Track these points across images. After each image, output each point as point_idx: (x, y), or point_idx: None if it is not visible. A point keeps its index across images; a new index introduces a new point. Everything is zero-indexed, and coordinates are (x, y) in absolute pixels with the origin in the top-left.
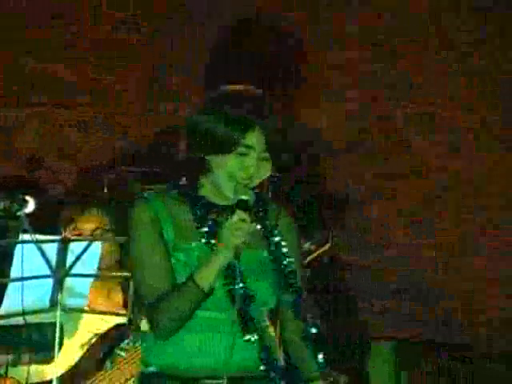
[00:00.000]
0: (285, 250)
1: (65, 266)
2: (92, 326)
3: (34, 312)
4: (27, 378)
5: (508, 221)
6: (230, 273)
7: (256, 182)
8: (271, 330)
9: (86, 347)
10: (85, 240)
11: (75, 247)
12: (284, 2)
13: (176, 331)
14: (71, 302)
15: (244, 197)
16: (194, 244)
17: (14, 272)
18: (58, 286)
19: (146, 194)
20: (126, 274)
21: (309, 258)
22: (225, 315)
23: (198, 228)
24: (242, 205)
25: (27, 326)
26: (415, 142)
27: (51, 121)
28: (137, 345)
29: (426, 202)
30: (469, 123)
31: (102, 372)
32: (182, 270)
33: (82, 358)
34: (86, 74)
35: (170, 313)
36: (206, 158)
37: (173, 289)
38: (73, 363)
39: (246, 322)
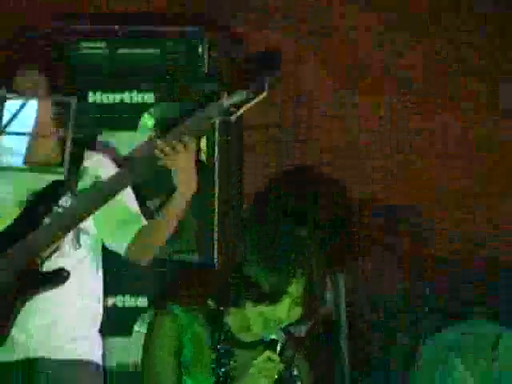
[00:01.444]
0: None
1: (0, 124)
2: (29, 184)
3: None
4: None
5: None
6: None
7: (285, 323)
8: None
9: (22, 206)
10: (21, 98)
11: (11, 105)
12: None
13: None
14: (7, 160)
15: (274, 336)
16: (206, 376)
17: None
18: None
19: (174, 309)
20: (62, 132)
21: (244, 108)
22: None
23: (214, 360)
24: (272, 345)
25: None
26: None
27: None
28: (73, 203)
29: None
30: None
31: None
32: None
33: (19, 216)
34: None
35: None
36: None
37: None
38: (9, 223)
39: None
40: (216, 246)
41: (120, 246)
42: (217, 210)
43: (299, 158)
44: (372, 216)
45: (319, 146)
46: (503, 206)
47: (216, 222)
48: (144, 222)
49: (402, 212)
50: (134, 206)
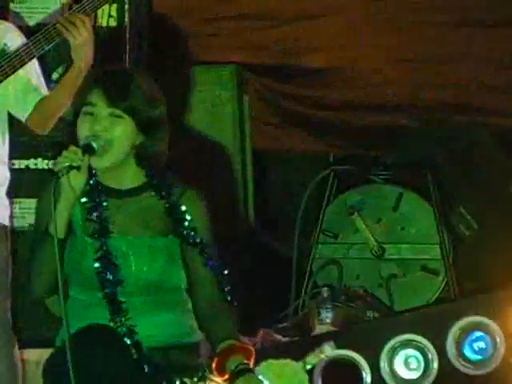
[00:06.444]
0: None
1: None
2: None
3: None
4: None
5: None
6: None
7: (108, 137)
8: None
9: None
10: None
11: None
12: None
13: (46, 289)
14: None
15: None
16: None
17: None
18: None
19: None
20: None
21: None
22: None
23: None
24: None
25: None
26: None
27: None
28: None
29: None
30: None
31: None
32: None
33: None
34: None
35: (34, 268)
36: None
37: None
38: None
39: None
40: None
41: (21, 115)
42: None
43: None
44: None
45: None
46: None
47: None
48: (45, 93)
49: None
50: (36, 76)
